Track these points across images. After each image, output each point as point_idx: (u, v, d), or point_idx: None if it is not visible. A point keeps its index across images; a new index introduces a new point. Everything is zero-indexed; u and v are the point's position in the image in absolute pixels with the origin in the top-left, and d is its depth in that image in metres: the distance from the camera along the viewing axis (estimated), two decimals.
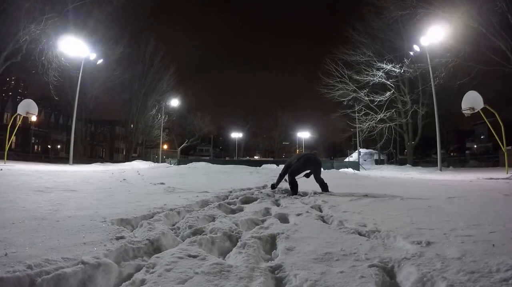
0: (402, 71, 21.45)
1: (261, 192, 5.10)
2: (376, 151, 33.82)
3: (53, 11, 16.72)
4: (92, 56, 18.94)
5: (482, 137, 36.19)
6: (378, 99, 22.82)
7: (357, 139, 26.37)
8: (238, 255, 1.76)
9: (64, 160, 26.37)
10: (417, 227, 2.34)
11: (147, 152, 33.66)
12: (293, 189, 4.98)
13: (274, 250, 1.95)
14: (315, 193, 4.94)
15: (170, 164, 22.71)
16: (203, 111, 45.59)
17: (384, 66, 22.13)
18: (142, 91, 31.38)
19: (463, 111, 12.94)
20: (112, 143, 51.04)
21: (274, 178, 8.75)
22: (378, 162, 32.55)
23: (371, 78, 22.80)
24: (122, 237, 1.96)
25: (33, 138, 38.55)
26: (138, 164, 17.98)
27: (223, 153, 67.49)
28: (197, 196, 4.38)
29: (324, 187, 5.18)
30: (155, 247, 1.94)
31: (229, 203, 3.93)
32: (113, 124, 47.78)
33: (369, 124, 23.42)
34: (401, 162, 28.36)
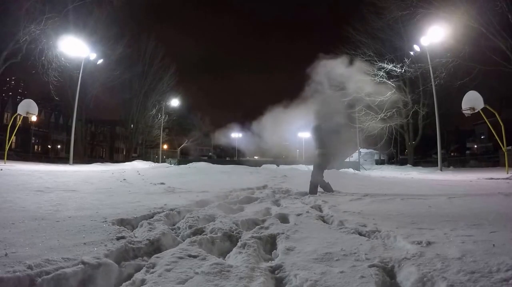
0: (403, 71, 21.43)
1: (261, 192, 5.10)
2: (377, 151, 33.79)
3: (53, 11, 16.70)
4: (92, 56, 18.94)
5: (482, 137, 36.12)
6: (379, 99, 22.80)
7: (357, 139, 26.35)
8: (238, 255, 1.76)
9: (64, 160, 26.36)
10: (417, 227, 2.34)
11: (147, 152, 33.67)
12: (315, 190, 4.95)
13: (274, 250, 1.95)
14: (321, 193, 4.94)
15: (170, 164, 22.70)
16: (203, 111, 45.70)
17: (385, 66, 22.12)
18: (142, 91, 31.35)
19: (464, 111, 12.93)
20: (112, 143, 51.00)
21: (274, 178, 8.77)
22: (379, 162, 32.53)
23: (372, 78, 22.78)
24: (122, 237, 1.96)
25: (33, 138, 38.51)
26: (138, 164, 17.96)
27: (223, 153, 67.45)
28: (197, 196, 4.38)
29: (326, 187, 5.11)
30: (155, 247, 1.94)
31: (229, 203, 3.92)
32: (113, 124, 47.72)
33: (369, 124, 23.41)
34: (402, 162, 28.34)
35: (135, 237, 2.08)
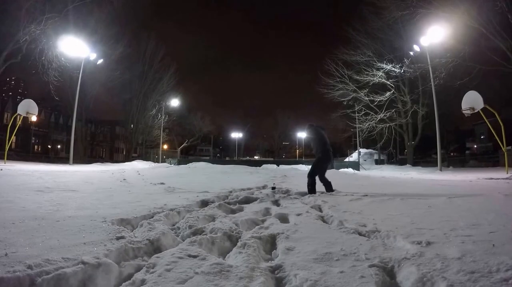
0: (402, 71, 21.44)
1: (261, 192, 5.10)
2: (376, 151, 33.81)
3: (53, 11, 16.71)
4: (92, 56, 18.94)
5: (482, 137, 36.13)
6: (378, 99, 22.81)
7: (357, 139, 26.36)
8: (238, 255, 1.76)
9: (64, 160, 26.36)
10: (417, 227, 2.34)
11: (147, 152, 33.64)
12: (313, 190, 4.95)
13: (274, 250, 1.95)
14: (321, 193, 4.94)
15: (170, 164, 22.70)
16: (203, 111, 45.76)
17: (384, 66, 22.12)
18: (142, 91, 31.35)
19: (463, 111, 12.94)
20: (112, 143, 51.04)
21: (274, 178, 8.77)
22: (378, 162, 32.55)
23: (371, 78, 22.79)
24: (122, 237, 1.97)
25: (33, 138, 38.53)
26: (138, 164, 17.98)
27: (223, 153, 67.57)
28: (197, 196, 4.38)
29: (328, 187, 5.12)
30: (155, 247, 1.94)
31: (229, 203, 3.93)
32: (113, 124, 47.79)
33: (369, 124, 23.41)
34: (401, 162, 28.35)
35: (135, 237, 2.08)
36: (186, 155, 46.87)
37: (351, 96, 24.03)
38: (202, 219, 2.78)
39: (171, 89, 33.83)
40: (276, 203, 4.11)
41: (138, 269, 1.57)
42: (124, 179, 7.24)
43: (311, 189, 4.94)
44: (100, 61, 21.07)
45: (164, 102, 31.57)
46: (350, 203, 3.80)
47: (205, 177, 9.00)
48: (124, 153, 36.88)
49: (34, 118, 15.77)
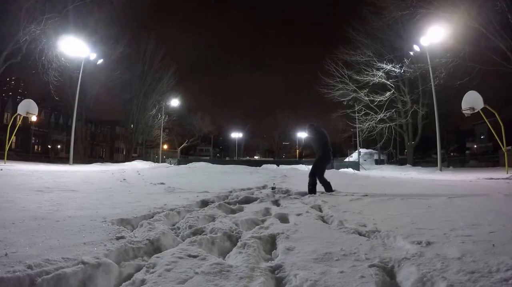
0: (402, 71, 21.44)
1: (261, 192, 5.10)
2: (376, 151, 33.82)
3: (53, 11, 16.71)
4: (92, 56, 18.94)
5: (482, 137, 36.13)
6: (378, 99, 22.81)
7: (357, 139, 26.37)
8: (238, 255, 1.76)
9: (64, 160, 26.36)
10: (417, 227, 2.34)
11: (147, 152, 33.64)
12: (313, 190, 4.96)
13: (274, 250, 1.95)
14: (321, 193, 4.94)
15: (170, 164, 22.70)
16: (203, 111, 45.81)
17: (384, 66, 22.11)
18: (142, 91, 31.35)
19: (463, 111, 12.94)
20: (112, 143, 51.05)
21: (274, 178, 8.77)
22: (378, 162, 32.55)
23: (371, 78, 22.79)
24: (122, 237, 1.97)
25: (33, 138, 38.54)
26: (138, 164, 17.98)
27: (223, 153, 67.65)
28: (197, 196, 4.38)
29: (327, 187, 5.13)
30: (155, 247, 1.94)
31: (229, 203, 3.93)
32: (113, 124, 47.81)
33: (369, 124, 23.41)
34: (401, 162, 28.35)
35: (135, 237, 2.08)
36: (186, 155, 46.88)
37: (351, 96, 24.03)
38: (202, 219, 2.78)
39: (171, 89, 33.85)
40: (276, 203, 4.11)
41: (138, 269, 1.57)
42: (124, 179, 7.24)
43: (312, 189, 4.95)
44: (100, 61, 21.08)
45: (164, 102, 31.57)
46: (350, 203, 3.80)
47: (205, 177, 8.99)
48: (124, 153, 36.87)
49: (34, 118, 15.76)
